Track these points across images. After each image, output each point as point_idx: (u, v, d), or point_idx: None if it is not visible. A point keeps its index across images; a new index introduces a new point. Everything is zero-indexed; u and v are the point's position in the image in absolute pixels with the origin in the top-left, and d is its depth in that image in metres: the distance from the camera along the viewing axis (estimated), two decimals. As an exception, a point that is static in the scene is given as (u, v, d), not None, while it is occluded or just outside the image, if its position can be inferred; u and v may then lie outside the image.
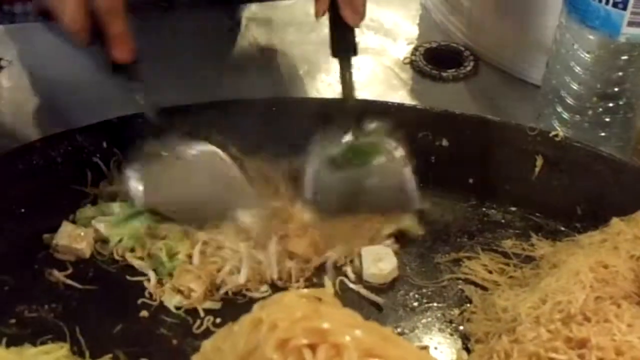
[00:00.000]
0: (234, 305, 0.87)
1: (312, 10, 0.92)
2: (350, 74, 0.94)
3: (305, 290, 0.62)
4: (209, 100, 1.00)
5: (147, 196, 0.92)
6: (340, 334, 0.57)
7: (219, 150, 0.93)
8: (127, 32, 0.87)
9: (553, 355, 0.70)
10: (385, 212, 0.96)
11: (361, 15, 0.92)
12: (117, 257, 0.91)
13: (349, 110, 0.95)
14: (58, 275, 0.88)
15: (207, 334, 0.82)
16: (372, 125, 0.95)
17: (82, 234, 0.91)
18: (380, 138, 0.95)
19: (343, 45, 0.94)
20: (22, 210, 0.91)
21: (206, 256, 0.90)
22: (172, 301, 0.87)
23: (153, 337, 0.83)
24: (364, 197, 0.95)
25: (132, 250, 0.91)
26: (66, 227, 0.91)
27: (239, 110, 0.98)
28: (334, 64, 0.96)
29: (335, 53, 0.94)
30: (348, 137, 0.94)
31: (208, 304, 0.87)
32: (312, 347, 0.57)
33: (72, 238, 0.90)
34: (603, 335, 0.71)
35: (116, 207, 0.94)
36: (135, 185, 0.92)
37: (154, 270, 0.89)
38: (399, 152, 0.95)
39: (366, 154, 0.95)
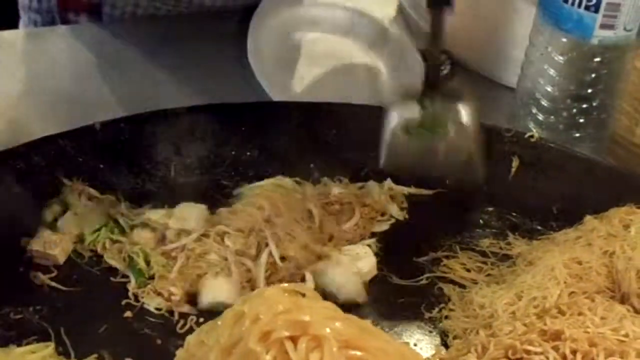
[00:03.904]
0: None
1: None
2: (442, 28, 0.92)
3: (286, 285, 0.63)
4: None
5: None
6: (321, 326, 0.59)
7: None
8: None
9: (528, 347, 0.71)
10: (452, 181, 0.99)
11: None
12: (96, 249, 0.92)
13: (432, 71, 0.93)
14: (42, 277, 0.88)
15: (190, 333, 0.82)
16: (448, 90, 0.94)
17: (57, 240, 0.91)
18: (454, 106, 0.94)
19: None
20: (6, 213, 0.91)
21: (190, 261, 0.91)
22: (152, 303, 0.87)
23: (137, 336, 0.84)
24: (435, 165, 0.96)
25: (113, 242, 0.92)
26: (42, 233, 0.92)
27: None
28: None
29: (430, 3, 0.91)
30: (423, 102, 0.93)
31: (187, 308, 0.87)
32: (294, 339, 0.59)
33: (47, 244, 0.90)
34: (577, 327, 0.72)
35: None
36: None
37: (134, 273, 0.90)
38: (471, 124, 0.93)
39: (439, 122, 0.94)
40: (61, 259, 0.91)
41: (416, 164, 0.96)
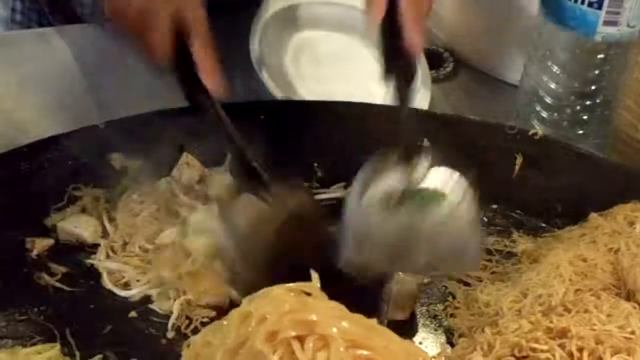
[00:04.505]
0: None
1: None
2: (407, 101, 0.87)
3: (293, 284, 0.63)
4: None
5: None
6: (327, 326, 0.59)
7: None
8: (216, 60, 0.86)
9: (534, 345, 0.71)
10: (436, 270, 0.85)
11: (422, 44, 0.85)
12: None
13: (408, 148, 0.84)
14: (47, 278, 0.89)
15: (196, 333, 0.83)
16: (435, 167, 0.84)
17: (86, 220, 0.93)
18: (445, 183, 0.82)
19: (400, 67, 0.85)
20: (10, 214, 0.91)
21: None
22: (160, 306, 0.88)
23: (142, 336, 0.84)
24: (416, 248, 0.82)
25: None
26: (71, 213, 0.94)
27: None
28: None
29: (388, 72, 0.87)
30: (403, 176, 0.82)
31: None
32: (300, 339, 0.59)
33: (76, 224, 0.93)
34: (583, 325, 0.72)
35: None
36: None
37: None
38: (467, 206, 0.83)
39: (426, 199, 0.81)
40: (90, 239, 0.92)
41: (394, 254, 0.82)
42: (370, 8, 0.85)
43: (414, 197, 0.81)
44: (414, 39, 0.84)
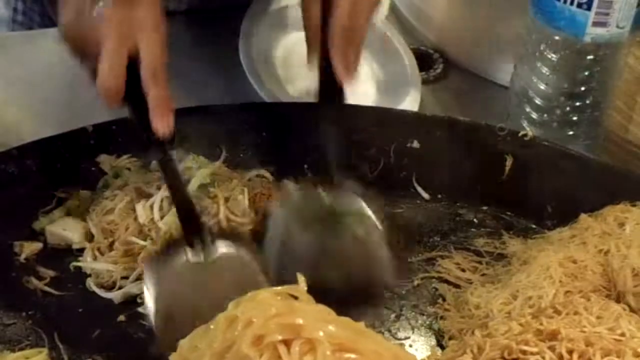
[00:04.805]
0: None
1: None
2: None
3: (279, 288, 0.62)
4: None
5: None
6: (314, 329, 0.59)
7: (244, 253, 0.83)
8: (170, 99, 0.80)
9: (524, 347, 0.70)
10: (352, 284, 0.85)
11: (353, 71, 0.86)
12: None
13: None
14: (36, 282, 0.88)
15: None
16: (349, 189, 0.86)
17: (74, 223, 0.93)
18: (358, 205, 0.86)
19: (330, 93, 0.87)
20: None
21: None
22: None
23: (131, 341, 0.84)
24: (332, 263, 0.85)
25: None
26: (59, 216, 0.94)
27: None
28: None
29: (320, 99, 0.88)
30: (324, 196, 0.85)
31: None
32: (287, 343, 0.58)
33: (64, 226, 0.93)
34: (573, 327, 0.72)
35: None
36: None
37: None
38: (376, 224, 0.85)
39: (341, 216, 0.85)
40: (78, 242, 0.92)
41: (309, 260, 0.84)
42: (310, 46, 0.87)
43: (335, 217, 0.85)
44: (340, 71, 0.85)
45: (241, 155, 1.01)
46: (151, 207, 0.91)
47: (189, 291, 0.80)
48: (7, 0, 1.31)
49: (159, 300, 0.79)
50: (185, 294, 0.80)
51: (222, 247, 0.82)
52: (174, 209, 0.87)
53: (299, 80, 1.15)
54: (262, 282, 0.80)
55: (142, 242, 0.90)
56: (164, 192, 0.91)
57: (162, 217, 0.90)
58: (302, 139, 0.98)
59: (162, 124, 0.79)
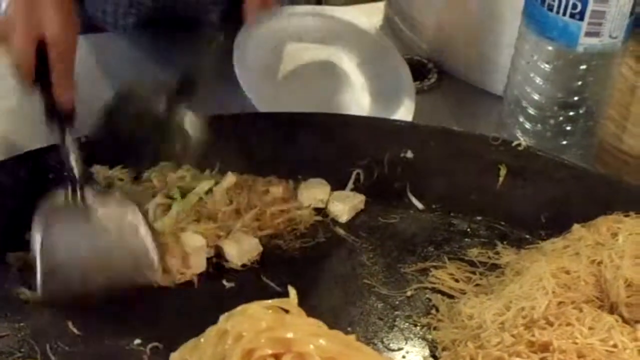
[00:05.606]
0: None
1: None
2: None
3: (270, 301, 0.62)
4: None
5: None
6: (305, 343, 0.59)
7: (132, 207, 0.88)
8: (72, 76, 0.86)
9: (516, 359, 0.71)
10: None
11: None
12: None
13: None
14: (28, 294, 0.88)
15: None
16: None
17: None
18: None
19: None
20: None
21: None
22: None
23: (124, 353, 0.83)
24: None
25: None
26: None
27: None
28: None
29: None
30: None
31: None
32: (277, 357, 0.58)
33: None
34: (565, 338, 0.72)
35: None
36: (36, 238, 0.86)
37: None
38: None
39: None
40: None
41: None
42: None
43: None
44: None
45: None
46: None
47: (75, 242, 0.86)
48: None
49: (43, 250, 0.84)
50: (71, 244, 0.85)
51: (109, 204, 0.88)
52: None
53: (293, 91, 1.15)
54: (144, 237, 0.86)
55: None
56: (158, 200, 0.93)
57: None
58: (297, 149, 0.98)
59: (64, 97, 0.87)
